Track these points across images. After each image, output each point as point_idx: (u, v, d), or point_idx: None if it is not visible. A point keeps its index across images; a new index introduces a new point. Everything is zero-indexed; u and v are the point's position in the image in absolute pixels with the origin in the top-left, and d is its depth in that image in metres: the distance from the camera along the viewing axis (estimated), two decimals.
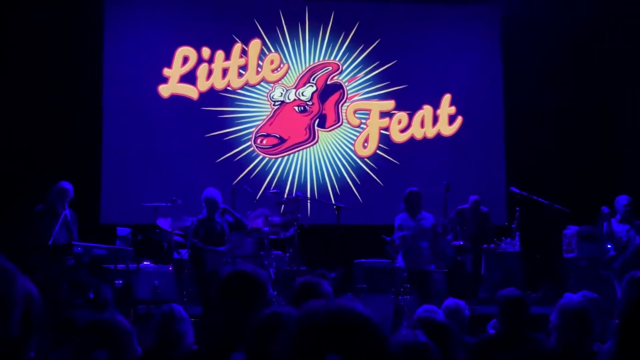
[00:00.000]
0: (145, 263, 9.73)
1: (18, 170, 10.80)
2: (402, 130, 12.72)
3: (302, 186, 12.22)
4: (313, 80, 12.67)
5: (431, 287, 9.28)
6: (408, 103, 12.74)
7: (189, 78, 12.32)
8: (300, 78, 12.63)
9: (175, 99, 12.28)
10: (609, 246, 9.59)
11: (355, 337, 1.45)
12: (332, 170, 12.55)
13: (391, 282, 9.89)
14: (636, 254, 9.37)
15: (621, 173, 11.99)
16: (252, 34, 12.48)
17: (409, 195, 9.57)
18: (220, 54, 12.40)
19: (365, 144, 12.66)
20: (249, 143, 12.40)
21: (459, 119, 12.80)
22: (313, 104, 12.62)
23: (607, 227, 9.62)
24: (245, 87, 12.48)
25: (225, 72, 12.42)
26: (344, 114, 12.69)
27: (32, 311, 2.39)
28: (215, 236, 9.50)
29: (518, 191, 10.67)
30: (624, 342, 1.68)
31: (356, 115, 12.71)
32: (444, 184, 10.07)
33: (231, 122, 12.38)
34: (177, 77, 12.30)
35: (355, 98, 12.74)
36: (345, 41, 12.73)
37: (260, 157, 12.42)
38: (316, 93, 12.64)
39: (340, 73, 12.74)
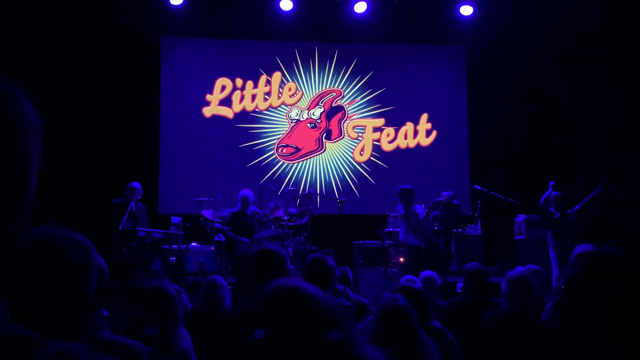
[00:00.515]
0: (193, 244, 9.75)
1: (99, 172, 10.81)
2: (390, 142, 12.70)
3: (313, 184, 12.21)
4: (321, 103, 12.64)
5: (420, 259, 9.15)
6: (394, 120, 12.70)
7: (226, 102, 12.33)
8: (312, 101, 12.62)
9: (215, 118, 12.28)
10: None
11: (290, 313, 1.30)
12: (336, 172, 12.53)
13: (382, 258, 9.89)
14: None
15: (554, 172, 11.95)
16: (275, 68, 12.47)
17: (409, 191, 9.38)
18: (250, 83, 12.40)
19: (362, 152, 12.64)
20: (272, 152, 12.39)
21: (434, 133, 12.77)
22: (321, 121, 12.60)
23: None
24: (269, 108, 12.47)
25: (254, 97, 12.42)
26: (345, 129, 12.66)
27: (102, 280, 2.40)
28: (245, 227, 9.50)
29: (480, 188, 10.65)
30: (567, 302, 1.60)
31: (354, 130, 12.69)
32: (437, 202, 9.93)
33: (258, 136, 12.37)
34: (216, 101, 12.30)
35: (354, 117, 12.72)
36: (346, 73, 12.71)
37: (281, 162, 12.41)
38: (324, 113, 12.62)
39: (343, 97, 12.72)
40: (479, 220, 10.75)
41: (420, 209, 9.45)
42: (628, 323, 1.45)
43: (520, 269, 4.31)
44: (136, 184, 8.75)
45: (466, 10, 12.27)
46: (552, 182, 9.54)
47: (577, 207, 9.48)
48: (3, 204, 0.82)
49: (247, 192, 9.65)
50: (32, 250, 1.63)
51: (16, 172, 0.84)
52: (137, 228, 8.33)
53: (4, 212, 0.83)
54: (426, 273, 6.00)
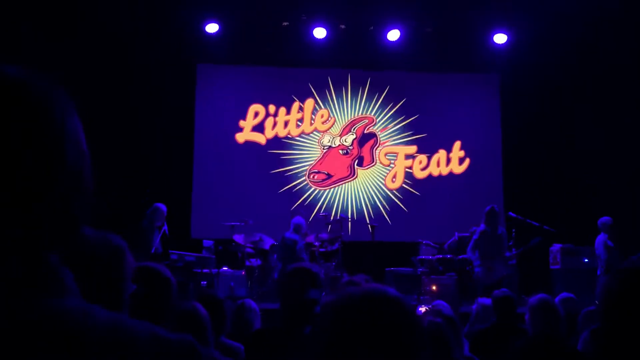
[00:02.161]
0: (224, 268, 9.71)
1: (133, 196, 10.85)
2: (423, 169, 12.58)
3: (344, 211, 12.11)
4: (353, 130, 12.62)
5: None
6: (427, 148, 12.60)
7: (259, 128, 12.38)
8: (344, 128, 12.60)
9: (248, 144, 12.33)
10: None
11: (387, 318, 1.22)
12: (368, 199, 12.43)
13: (414, 286, 9.72)
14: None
15: (591, 200, 11.68)
16: (307, 94, 12.52)
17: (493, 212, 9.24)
18: (282, 110, 12.45)
19: (394, 179, 12.54)
20: (304, 178, 12.37)
21: (467, 160, 12.62)
22: (353, 148, 12.56)
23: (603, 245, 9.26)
24: (301, 135, 12.48)
25: (286, 123, 12.45)
26: (377, 156, 12.59)
27: (167, 289, 2.37)
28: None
29: (515, 215, 10.42)
30: (607, 326, 1.49)
31: (386, 157, 12.61)
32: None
33: (290, 162, 12.37)
34: (249, 127, 12.36)
35: (386, 144, 12.65)
36: (379, 100, 12.69)
37: (313, 188, 12.37)
38: (356, 140, 12.59)
39: (375, 124, 12.68)
40: (514, 249, 10.50)
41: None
42: None
43: (541, 295, 4.17)
44: (161, 205, 8.65)
45: (500, 38, 12.19)
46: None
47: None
48: (70, 198, 0.88)
49: (298, 219, 9.66)
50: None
51: (81, 170, 0.91)
52: (170, 251, 8.32)
53: (71, 206, 0.89)
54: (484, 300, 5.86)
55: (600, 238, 9.37)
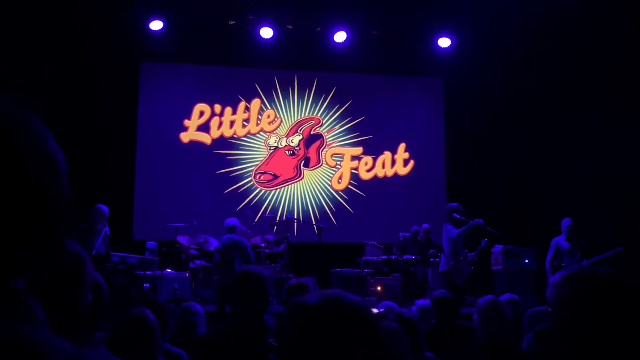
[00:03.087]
0: (167, 270, 9.54)
1: (73, 195, 10.48)
2: (368, 170, 12.68)
3: (290, 212, 12.07)
4: (300, 130, 12.60)
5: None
6: (372, 149, 12.71)
7: (204, 127, 12.22)
8: (290, 129, 12.57)
9: (193, 143, 12.16)
10: (554, 263, 9.30)
11: (347, 321, 1.21)
12: (314, 200, 12.44)
13: (360, 287, 9.77)
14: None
15: (533, 202, 11.99)
16: (254, 94, 12.44)
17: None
18: (228, 110, 12.33)
19: (340, 180, 12.59)
20: (250, 178, 12.28)
21: (412, 162, 12.79)
22: (300, 149, 12.54)
23: (554, 245, 9.37)
24: (247, 135, 12.38)
25: (232, 123, 12.34)
26: (323, 157, 12.62)
27: (100, 297, 2.27)
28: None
29: (458, 217, 10.57)
30: (559, 329, 1.51)
31: (333, 158, 12.65)
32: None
33: (236, 162, 12.26)
34: (194, 127, 12.19)
35: (333, 145, 12.69)
36: (325, 101, 12.72)
37: (259, 189, 12.29)
38: (302, 141, 12.58)
39: (321, 125, 12.70)
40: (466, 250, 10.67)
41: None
42: (628, 343, 1.39)
43: (489, 296, 4.23)
44: (103, 206, 8.35)
45: (444, 42, 12.39)
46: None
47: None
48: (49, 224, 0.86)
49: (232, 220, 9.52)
50: None
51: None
52: (111, 252, 8.10)
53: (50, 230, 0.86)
54: (422, 302, 5.90)
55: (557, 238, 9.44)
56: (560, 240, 9.30)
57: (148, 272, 8.67)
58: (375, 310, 5.49)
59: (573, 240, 9.21)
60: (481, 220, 9.06)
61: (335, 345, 1.17)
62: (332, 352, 1.16)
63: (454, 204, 9.34)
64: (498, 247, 10.61)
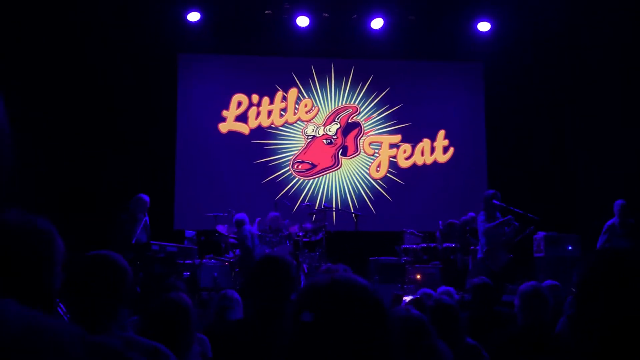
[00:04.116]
0: (207, 259, 9.67)
1: (115, 188, 10.70)
2: (407, 158, 12.60)
3: (328, 201, 12.09)
4: (337, 119, 12.60)
5: None
6: (411, 137, 12.62)
7: (242, 118, 12.33)
8: (328, 118, 12.58)
9: (231, 134, 12.28)
10: (606, 245, 9.09)
11: (349, 302, 1.23)
12: (352, 188, 12.44)
13: (398, 275, 9.75)
14: None
15: (575, 188, 11.77)
16: (291, 84, 12.47)
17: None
18: (266, 99, 12.40)
19: (378, 169, 12.55)
20: (288, 168, 12.34)
21: (451, 149, 12.66)
22: (337, 137, 12.54)
23: (607, 227, 9.18)
24: (285, 124, 12.44)
25: (269, 113, 12.41)
26: (361, 146, 12.59)
27: (124, 280, 2.33)
28: None
29: (498, 203, 10.44)
30: (579, 309, 1.48)
31: (371, 146, 12.61)
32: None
33: (274, 152, 12.34)
34: (232, 117, 12.31)
35: (370, 133, 12.65)
36: (363, 89, 12.67)
37: (297, 179, 12.36)
38: (340, 129, 12.57)
39: (359, 114, 12.67)
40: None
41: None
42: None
43: (532, 282, 4.19)
44: (144, 196, 8.51)
45: (483, 26, 12.20)
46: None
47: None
48: None
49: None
50: None
51: None
52: (151, 242, 8.25)
53: None
54: (441, 288, 5.88)
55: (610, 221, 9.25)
56: (615, 222, 9.14)
57: (188, 261, 8.81)
58: (410, 297, 5.48)
59: (624, 221, 9.05)
60: (511, 217, 8.95)
61: (342, 325, 1.19)
62: (339, 332, 1.18)
63: (491, 191, 9.23)
64: (540, 234, 10.44)
